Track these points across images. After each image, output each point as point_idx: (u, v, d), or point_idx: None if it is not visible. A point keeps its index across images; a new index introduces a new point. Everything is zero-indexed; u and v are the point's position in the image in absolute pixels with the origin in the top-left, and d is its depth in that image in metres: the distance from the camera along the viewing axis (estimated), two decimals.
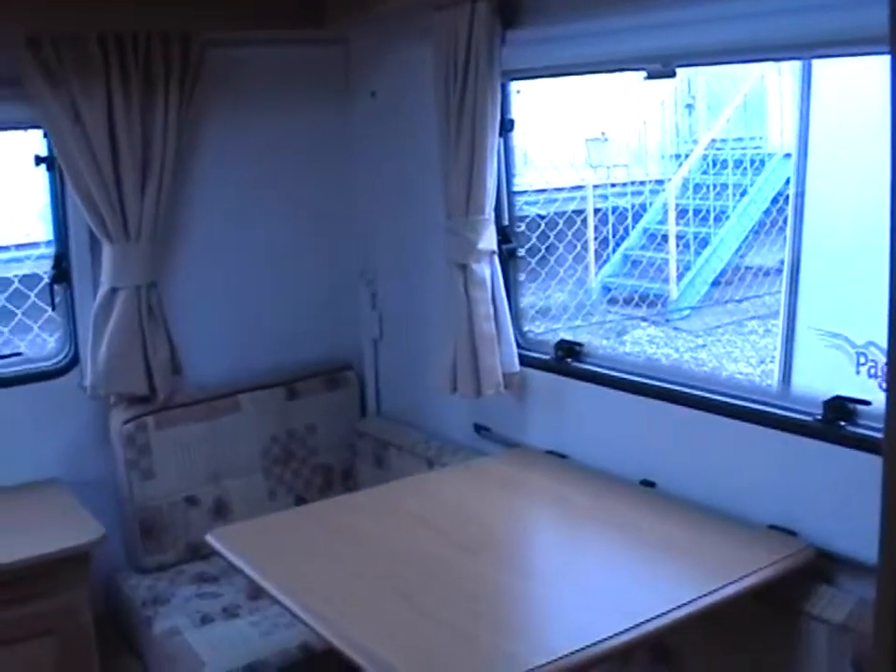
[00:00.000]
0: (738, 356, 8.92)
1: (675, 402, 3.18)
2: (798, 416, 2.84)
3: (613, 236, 10.67)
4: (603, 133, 10.99)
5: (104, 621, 3.72)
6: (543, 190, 9.46)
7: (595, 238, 10.37)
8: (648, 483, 3.23)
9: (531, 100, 4.68)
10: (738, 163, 10.64)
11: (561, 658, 2.24)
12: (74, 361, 3.92)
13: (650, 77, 3.08)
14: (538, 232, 8.86)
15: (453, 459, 3.81)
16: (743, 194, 10.51)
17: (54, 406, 3.88)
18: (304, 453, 4.25)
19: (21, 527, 3.42)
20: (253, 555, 2.90)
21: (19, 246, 6.66)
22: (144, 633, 3.64)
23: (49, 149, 3.74)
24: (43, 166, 3.79)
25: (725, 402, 3.04)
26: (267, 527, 3.20)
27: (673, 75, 3.04)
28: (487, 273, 3.49)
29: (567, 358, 3.56)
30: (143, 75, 3.65)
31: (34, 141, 3.78)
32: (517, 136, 3.74)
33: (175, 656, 3.43)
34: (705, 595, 2.51)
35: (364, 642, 2.37)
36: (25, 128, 3.75)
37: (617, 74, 3.61)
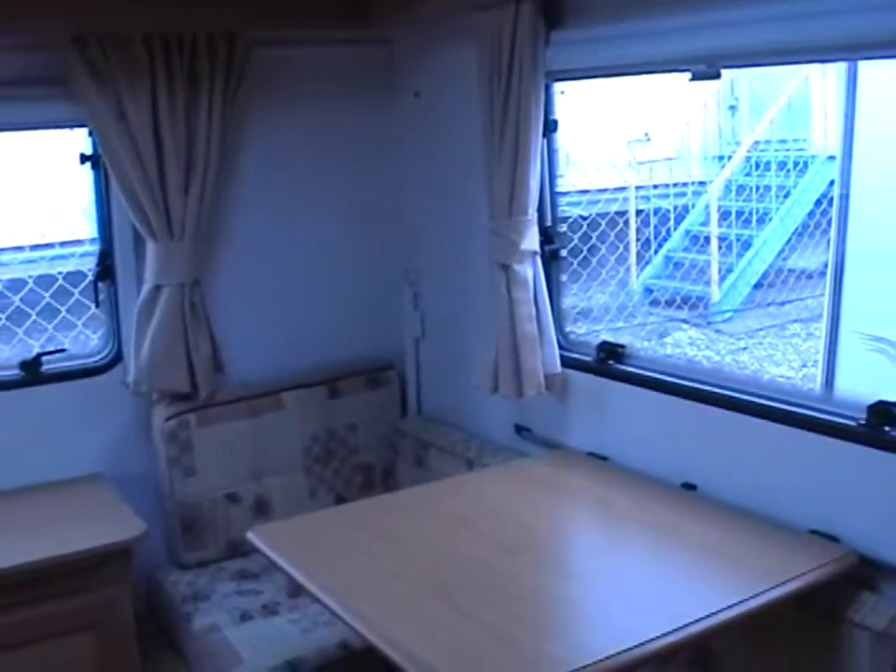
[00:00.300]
0: (780, 359, 8.86)
1: (716, 405, 3.16)
2: (841, 421, 2.82)
3: (655, 238, 10.62)
4: (646, 135, 10.95)
5: (144, 616, 3.74)
6: (586, 191, 9.43)
7: (638, 239, 10.33)
8: (689, 486, 3.21)
9: (574, 101, 4.66)
10: (781, 165, 10.56)
11: (602, 660, 2.24)
12: (117, 358, 3.94)
13: (694, 78, 3.06)
14: (580, 233, 8.83)
15: (493, 460, 3.81)
16: (786, 196, 10.43)
17: (97, 402, 3.90)
18: (345, 452, 4.26)
19: (64, 522, 3.45)
20: (293, 553, 2.91)
21: (63, 244, 6.70)
22: (184, 629, 3.65)
23: (95, 148, 3.77)
24: (88, 164, 3.82)
25: (767, 406, 3.02)
26: (308, 526, 3.21)
27: (718, 76, 3.02)
28: (530, 273, 3.49)
29: (608, 360, 3.55)
30: (188, 74, 3.67)
31: (79, 139, 3.80)
32: (560, 137, 3.73)
33: (214, 652, 3.44)
34: (746, 600, 2.49)
35: (404, 642, 2.37)
36: (71, 126, 3.78)
37: (661, 75, 3.58)
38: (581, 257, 8.89)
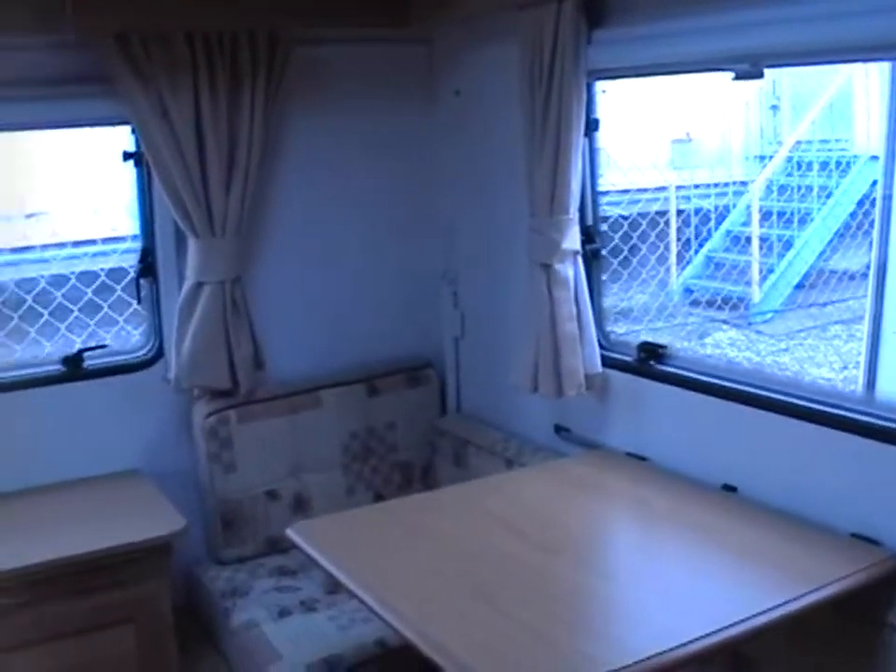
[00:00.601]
0: (821, 360, 8.80)
1: (757, 406, 3.14)
2: (883, 423, 2.79)
3: (696, 238, 10.58)
4: (687, 134, 10.92)
5: (183, 612, 3.76)
6: (626, 191, 9.40)
7: (678, 239, 10.29)
8: (729, 488, 3.20)
9: (615, 100, 4.65)
10: (824, 165, 10.49)
11: (641, 661, 2.23)
12: (158, 354, 3.97)
13: (738, 77, 3.05)
14: (620, 233, 8.81)
15: (532, 459, 3.81)
16: (828, 197, 10.36)
17: (138, 398, 3.93)
18: (384, 450, 4.27)
19: (104, 517, 3.48)
20: (332, 550, 2.92)
21: (106, 240, 6.74)
22: (222, 624, 3.67)
23: (137, 145, 3.79)
24: (131, 162, 3.84)
25: (808, 407, 3.00)
26: (346, 523, 3.22)
27: (761, 75, 3.00)
28: (570, 273, 3.48)
29: (649, 360, 3.53)
30: (230, 72, 3.69)
31: (122, 137, 3.83)
32: (601, 136, 3.72)
33: (252, 648, 3.45)
34: (785, 603, 2.48)
35: (442, 640, 2.37)
36: (114, 124, 3.80)
37: (703, 74, 3.56)
38: (621, 256, 8.88)
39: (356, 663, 3.34)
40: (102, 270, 5.93)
